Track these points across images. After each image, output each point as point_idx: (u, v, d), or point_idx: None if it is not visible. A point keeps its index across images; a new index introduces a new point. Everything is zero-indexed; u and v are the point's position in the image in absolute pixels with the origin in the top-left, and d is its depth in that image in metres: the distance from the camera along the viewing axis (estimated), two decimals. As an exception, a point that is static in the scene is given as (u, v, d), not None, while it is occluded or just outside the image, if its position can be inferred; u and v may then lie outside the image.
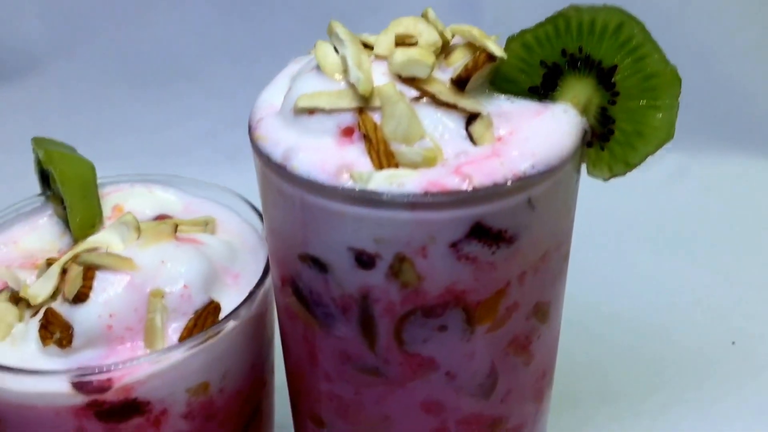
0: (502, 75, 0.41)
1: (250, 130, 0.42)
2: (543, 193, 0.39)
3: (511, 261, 0.40)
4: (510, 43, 0.41)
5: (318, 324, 0.43)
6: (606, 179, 0.43)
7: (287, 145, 0.40)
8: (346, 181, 0.38)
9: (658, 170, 0.90)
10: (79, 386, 0.44)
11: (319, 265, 0.41)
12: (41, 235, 0.55)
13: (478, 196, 0.37)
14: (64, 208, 0.54)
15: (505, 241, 0.40)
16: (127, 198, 0.55)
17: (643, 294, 0.75)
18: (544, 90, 0.41)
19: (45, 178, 0.57)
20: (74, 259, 0.48)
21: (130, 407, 0.45)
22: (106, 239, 0.48)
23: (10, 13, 0.92)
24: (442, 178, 0.38)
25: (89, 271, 0.47)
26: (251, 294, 0.48)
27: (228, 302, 0.48)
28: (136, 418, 0.46)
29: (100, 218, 0.53)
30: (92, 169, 0.54)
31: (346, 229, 0.39)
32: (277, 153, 0.40)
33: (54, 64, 0.94)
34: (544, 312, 0.44)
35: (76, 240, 0.52)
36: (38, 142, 0.56)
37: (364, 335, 0.42)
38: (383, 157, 0.39)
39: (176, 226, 0.51)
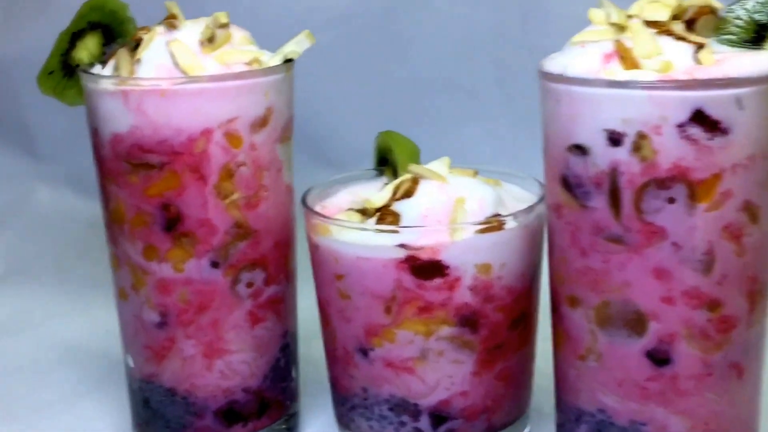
0: (723, 30, 0.58)
1: (540, 71, 0.61)
2: (749, 96, 0.55)
3: (725, 150, 0.55)
4: (732, 6, 0.58)
5: (578, 204, 0.59)
6: None
7: (564, 63, 0.58)
8: (604, 76, 0.56)
9: None
10: (402, 244, 0.62)
11: (581, 150, 0.58)
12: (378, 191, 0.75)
13: (697, 84, 0.54)
14: (394, 175, 0.74)
15: (719, 131, 0.55)
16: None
17: None
18: (755, 43, 0.57)
19: (381, 161, 0.78)
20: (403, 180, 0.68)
21: (435, 267, 0.63)
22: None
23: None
24: (673, 75, 0.54)
25: (415, 179, 0.66)
26: (530, 206, 0.66)
27: (510, 223, 0.66)
28: (437, 279, 0.63)
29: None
30: (418, 148, 0.75)
31: (603, 113, 0.56)
32: (556, 69, 0.58)
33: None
34: (753, 212, 0.57)
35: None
36: (380, 133, 0.78)
37: (611, 206, 0.57)
38: (632, 67, 0.56)
39: (476, 173, 0.70)
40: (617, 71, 0.56)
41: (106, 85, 0.64)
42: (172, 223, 0.65)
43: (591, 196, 0.58)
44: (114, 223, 0.68)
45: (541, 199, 0.67)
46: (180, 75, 0.64)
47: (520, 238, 0.65)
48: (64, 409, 0.82)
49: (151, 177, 0.65)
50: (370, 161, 1.05)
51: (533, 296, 0.68)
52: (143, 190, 0.65)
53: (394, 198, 0.67)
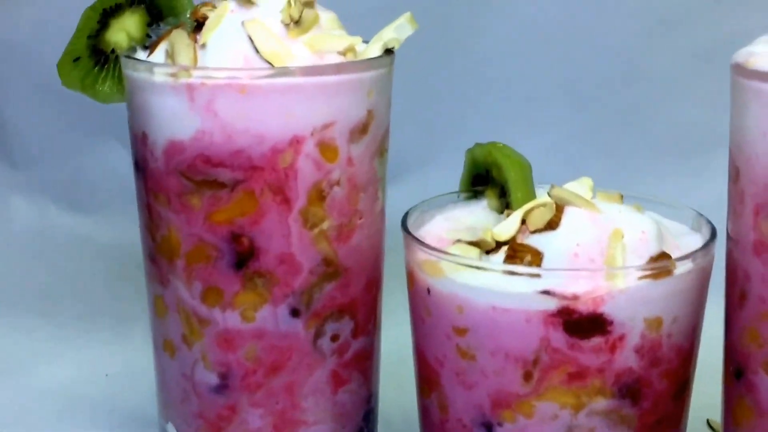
0: None
1: (742, 67, 0.47)
2: None
3: None
4: None
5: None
6: None
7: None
8: None
9: None
10: (547, 290, 0.48)
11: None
12: (480, 216, 0.60)
13: None
14: (500, 196, 0.60)
15: None
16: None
17: None
18: None
19: (475, 179, 0.64)
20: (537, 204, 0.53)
21: (595, 323, 0.48)
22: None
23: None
24: None
25: (559, 206, 0.52)
26: (706, 244, 0.51)
27: (675, 262, 0.51)
28: (596, 338, 0.49)
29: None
30: (530, 164, 0.61)
31: None
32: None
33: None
34: None
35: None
36: (478, 145, 0.64)
37: None
38: None
39: (621, 197, 0.56)
40: None
41: (164, 76, 0.48)
42: (244, 258, 0.50)
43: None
44: (161, 256, 0.52)
45: (714, 236, 0.53)
46: (263, 65, 0.49)
47: (695, 285, 0.51)
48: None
49: (219, 199, 0.49)
50: (422, 172, 0.90)
51: (695, 358, 0.54)
52: (207, 215, 0.50)
53: (527, 229, 0.52)
